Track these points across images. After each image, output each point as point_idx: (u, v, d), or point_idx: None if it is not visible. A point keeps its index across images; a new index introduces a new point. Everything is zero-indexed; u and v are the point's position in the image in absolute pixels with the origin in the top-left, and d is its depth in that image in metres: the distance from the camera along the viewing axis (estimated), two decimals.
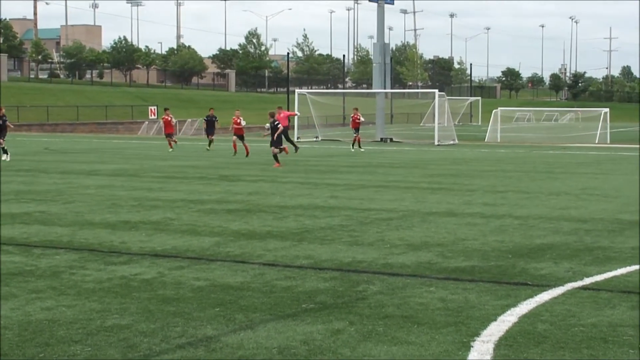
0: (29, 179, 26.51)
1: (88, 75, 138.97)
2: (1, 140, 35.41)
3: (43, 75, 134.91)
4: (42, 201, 20.28)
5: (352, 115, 48.59)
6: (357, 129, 47.64)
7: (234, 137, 40.48)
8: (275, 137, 32.53)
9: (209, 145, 44.81)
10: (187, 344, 8.32)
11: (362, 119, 48.43)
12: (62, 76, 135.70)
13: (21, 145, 49.33)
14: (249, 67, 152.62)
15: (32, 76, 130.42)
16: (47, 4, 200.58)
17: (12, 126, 41.05)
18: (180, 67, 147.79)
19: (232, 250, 13.57)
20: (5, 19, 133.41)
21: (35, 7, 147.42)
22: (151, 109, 76.13)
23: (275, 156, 32.46)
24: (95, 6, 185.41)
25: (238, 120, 40.42)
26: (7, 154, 35.25)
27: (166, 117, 45.43)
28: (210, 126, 45.64)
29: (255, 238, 14.78)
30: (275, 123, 32.70)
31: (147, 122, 79.81)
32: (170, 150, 43.49)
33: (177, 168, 31.61)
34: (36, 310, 9.59)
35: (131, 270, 11.84)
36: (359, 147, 47.25)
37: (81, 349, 8.13)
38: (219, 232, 15.50)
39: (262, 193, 22.51)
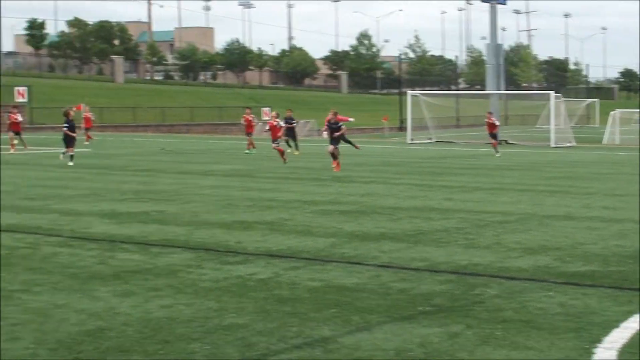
0: (147, 178, 26.95)
1: (202, 77, 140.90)
2: None
3: (158, 77, 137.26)
4: (159, 201, 20.58)
5: (486, 119, 45.55)
6: (493, 134, 44.66)
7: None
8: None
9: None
10: (304, 344, 8.34)
11: (497, 122, 46.53)
12: (176, 78, 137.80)
13: (139, 146, 50.28)
14: (361, 68, 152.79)
15: (147, 78, 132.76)
16: (160, 6, 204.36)
17: None
18: (292, 68, 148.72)
19: (346, 251, 13.56)
20: (122, 22, 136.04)
21: (149, 10, 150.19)
22: (264, 111, 76.69)
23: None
24: (207, 8, 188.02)
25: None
26: None
27: (247, 117, 44.52)
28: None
29: (369, 239, 14.74)
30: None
31: (260, 123, 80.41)
32: (247, 151, 42.18)
33: (290, 169, 31.75)
34: (155, 307, 9.71)
35: (247, 270, 11.91)
36: (496, 151, 43.77)
37: (200, 347, 8.20)
38: (333, 233, 15.51)
39: (375, 194, 22.46)
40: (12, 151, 40.84)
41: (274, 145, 36.04)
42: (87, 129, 52.94)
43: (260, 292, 10.56)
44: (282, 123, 37.59)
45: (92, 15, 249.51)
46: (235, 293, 10.49)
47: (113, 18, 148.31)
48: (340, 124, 32.46)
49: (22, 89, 76.48)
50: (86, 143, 49.28)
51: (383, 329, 8.91)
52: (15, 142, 42.66)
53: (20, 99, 74.48)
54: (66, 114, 34.15)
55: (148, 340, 8.39)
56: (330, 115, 32.57)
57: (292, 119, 43.42)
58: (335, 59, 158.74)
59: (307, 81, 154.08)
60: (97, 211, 18.29)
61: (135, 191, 22.79)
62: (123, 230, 15.73)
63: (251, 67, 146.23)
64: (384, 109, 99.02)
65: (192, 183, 25.46)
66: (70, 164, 32.28)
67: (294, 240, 14.56)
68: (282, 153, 35.28)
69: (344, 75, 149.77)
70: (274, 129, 36.34)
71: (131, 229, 15.91)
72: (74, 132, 33.58)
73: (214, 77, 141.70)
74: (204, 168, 31.94)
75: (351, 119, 40.35)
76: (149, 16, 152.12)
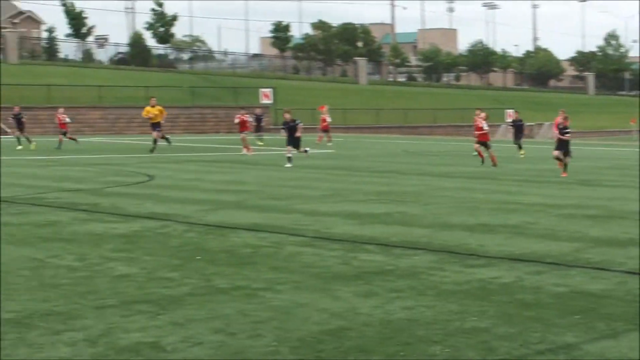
0: (389, 179, 27.14)
1: (445, 79, 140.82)
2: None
3: (401, 79, 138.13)
4: (401, 202, 20.65)
5: None
6: None
7: (476, 145, 35.26)
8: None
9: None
10: (546, 350, 8.17)
11: None
12: (419, 79, 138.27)
13: (381, 147, 50.76)
14: (608, 69, 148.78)
15: (390, 79, 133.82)
16: (404, 8, 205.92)
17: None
18: (537, 69, 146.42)
19: (592, 256, 13.18)
20: (365, 24, 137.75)
21: (393, 12, 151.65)
22: (508, 113, 75.78)
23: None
24: (451, 10, 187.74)
25: (480, 125, 34.84)
26: None
27: (477, 118, 40.93)
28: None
29: (616, 245, 14.28)
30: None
31: (504, 126, 79.59)
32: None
33: (534, 172, 31.24)
34: (396, 309, 9.75)
35: (489, 274, 11.76)
36: None
37: (440, 350, 8.17)
38: (578, 237, 15.13)
39: (622, 199, 21.75)
40: (244, 152, 40.38)
41: (475, 146, 35.66)
42: (323, 131, 53.80)
43: (502, 296, 10.43)
44: (485, 126, 34.84)
45: (335, 17, 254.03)
46: (477, 296, 10.39)
47: (356, 20, 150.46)
48: (569, 129, 31.15)
49: (267, 90, 78.91)
50: (329, 144, 50.17)
51: (630, 337, 8.62)
52: (249, 143, 41.59)
53: (265, 101, 76.83)
54: (283, 116, 35.37)
55: (388, 342, 8.43)
56: (560, 119, 31.28)
57: (520, 121, 44.70)
58: (582, 60, 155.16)
59: (552, 82, 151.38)
60: (339, 211, 18.53)
61: (377, 192, 22.96)
62: (365, 231, 15.87)
63: (495, 69, 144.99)
64: (632, 111, 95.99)
65: (433, 185, 25.44)
66: (288, 165, 32.51)
67: (538, 244, 14.29)
68: (479, 154, 34.90)
69: (590, 77, 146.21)
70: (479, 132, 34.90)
71: (373, 229, 16.02)
72: (289, 133, 33.64)
73: (457, 78, 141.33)
74: (446, 170, 31.89)
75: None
76: (392, 18, 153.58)
